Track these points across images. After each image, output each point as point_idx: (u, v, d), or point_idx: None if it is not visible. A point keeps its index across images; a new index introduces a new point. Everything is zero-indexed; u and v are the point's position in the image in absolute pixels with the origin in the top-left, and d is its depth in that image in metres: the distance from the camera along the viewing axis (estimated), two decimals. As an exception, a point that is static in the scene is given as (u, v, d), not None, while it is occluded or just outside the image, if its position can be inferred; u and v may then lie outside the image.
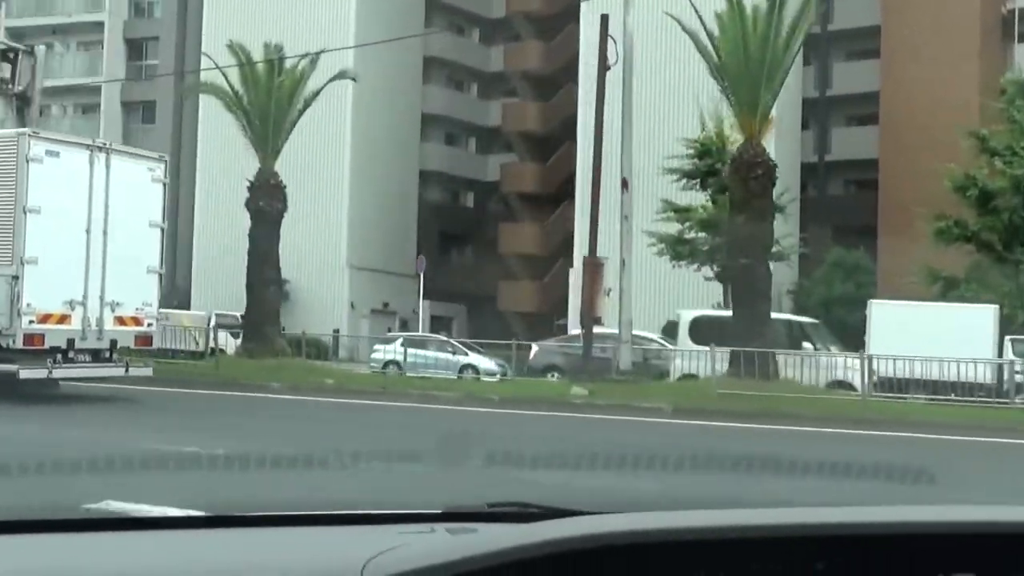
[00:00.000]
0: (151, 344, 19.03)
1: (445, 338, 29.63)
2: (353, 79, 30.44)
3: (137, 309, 18.19)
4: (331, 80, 27.94)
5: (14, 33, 50.01)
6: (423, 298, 47.01)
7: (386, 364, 28.68)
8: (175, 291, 46.12)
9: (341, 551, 1.88)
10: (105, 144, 18.42)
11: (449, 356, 29.27)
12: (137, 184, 18.13)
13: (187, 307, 42.45)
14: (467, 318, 50.40)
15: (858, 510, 1.72)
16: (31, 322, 16.83)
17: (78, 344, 17.42)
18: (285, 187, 28.62)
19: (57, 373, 17.15)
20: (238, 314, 36.82)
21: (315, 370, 24.17)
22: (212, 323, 31.57)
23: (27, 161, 16.61)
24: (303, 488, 4.18)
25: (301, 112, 28.26)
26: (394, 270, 47.63)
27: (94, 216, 17.42)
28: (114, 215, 17.63)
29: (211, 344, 27.63)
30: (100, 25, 48.32)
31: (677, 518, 1.69)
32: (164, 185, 18.78)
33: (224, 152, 45.57)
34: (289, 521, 2.31)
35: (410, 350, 28.06)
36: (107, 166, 17.62)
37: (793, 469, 6.64)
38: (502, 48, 52.10)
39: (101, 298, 17.58)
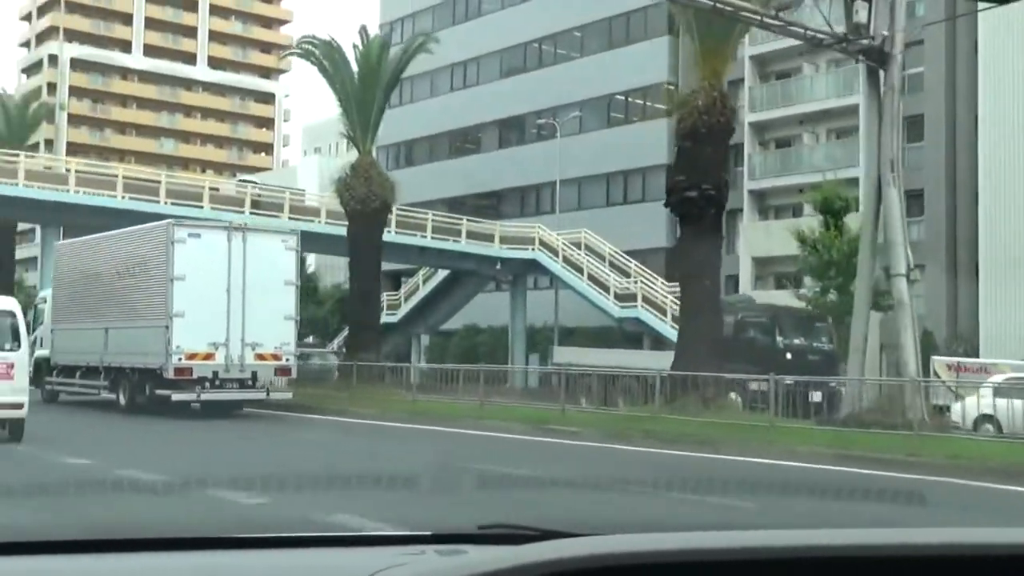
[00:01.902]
0: (290, 374, 24.21)
1: None
2: None
3: (276, 348, 23.30)
4: None
5: (757, 60, 46.56)
6: None
7: None
8: (957, 339, 38.56)
9: (331, 573, 2.03)
10: (242, 225, 24.47)
11: None
12: (272, 253, 23.22)
13: (975, 355, 34.69)
14: None
15: (852, 533, 1.70)
16: (180, 359, 22.34)
17: (222, 375, 22.81)
18: None
19: (205, 396, 22.58)
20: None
21: None
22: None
23: (172, 243, 22.45)
24: None
25: None
26: None
27: (233, 279, 22.64)
28: (252, 277, 22.70)
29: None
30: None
31: (667, 540, 1.68)
32: (296, 252, 23.96)
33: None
34: (277, 543, 2.33)
35: None
36: (244, 241, 22.90)
37: None
38: None
39: (242, 340, 22.82)
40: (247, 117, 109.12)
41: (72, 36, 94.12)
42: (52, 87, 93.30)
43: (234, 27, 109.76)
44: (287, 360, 23.50)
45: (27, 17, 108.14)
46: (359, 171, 33.59)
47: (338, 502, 7.73)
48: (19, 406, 16.13)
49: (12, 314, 16.73)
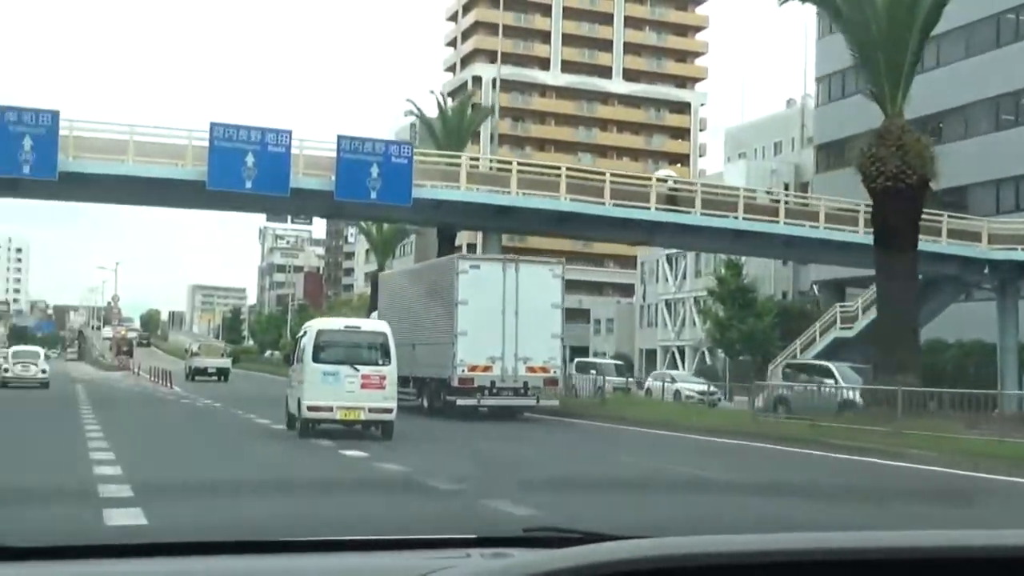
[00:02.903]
0: (556, 385, 28.42)
1: None
2: None
3: (544, 362, 27.27)
4: None
5: None
6: None
7: None
8: None
9: None
10: (515, 258, 28.58)
11: None
12: (541, 281, 27.38)
13: None
14: None
15: (899, 535, 1.69)
16: (463, 371, 26.77)
17: (498, 384, 27.05)
18: None
19: (484, 402, 27.06)
20: None
21: None
22: None
23: (456, 274, 27.22)
24: None
25: None
26: None
27: (507, 302, 26.92)
28: (523, 301, 26.91)
29: None
30: None
31: (712, 543, 1.67)
32: (562, 279, 27.78)
33: None
34: (322, 547, 2.34)
35: None
36: (516, 271, 27.23)
37: None
38: None
39: (515, 354, 26.92)
40: (662, 128, 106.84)
41: (494, 57, 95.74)
42: (475, 108, 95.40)
43: (648, 37, 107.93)
44: (554, 372, 27.63)
45: (452, 43, 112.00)
46: (888, 138, 27.05)
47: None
48: (389, 411, 18.96)
49: (384, 335, 19.81)
